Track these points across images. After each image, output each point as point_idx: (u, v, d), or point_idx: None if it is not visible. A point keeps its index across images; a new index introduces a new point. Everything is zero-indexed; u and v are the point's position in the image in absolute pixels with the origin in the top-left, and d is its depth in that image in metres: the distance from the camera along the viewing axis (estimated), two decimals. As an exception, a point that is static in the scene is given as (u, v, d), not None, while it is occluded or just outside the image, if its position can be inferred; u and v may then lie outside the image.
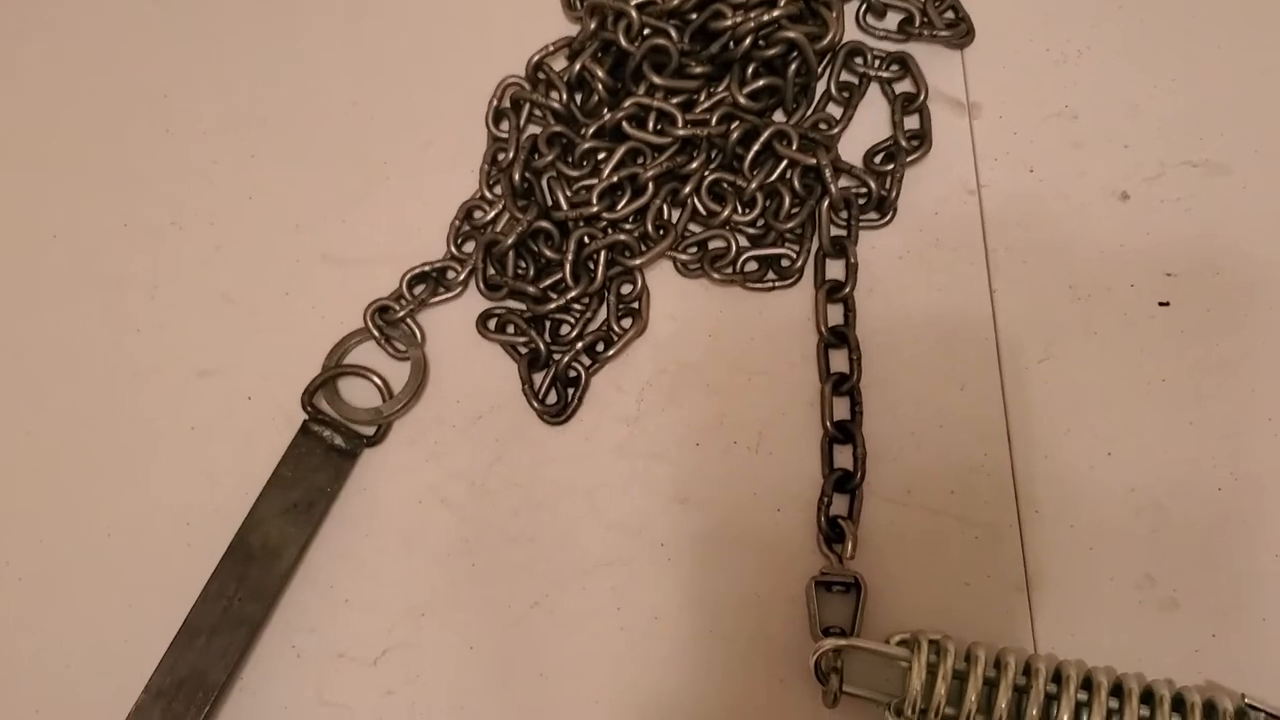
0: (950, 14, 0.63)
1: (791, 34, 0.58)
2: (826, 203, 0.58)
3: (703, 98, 0.59)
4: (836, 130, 0.60)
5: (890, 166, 0.59)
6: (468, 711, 0.53)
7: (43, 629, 0.55)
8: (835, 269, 0.59)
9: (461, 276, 0.60)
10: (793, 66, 0.59)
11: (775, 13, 0.58)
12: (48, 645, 0.55)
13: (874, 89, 0.62)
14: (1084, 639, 0.52)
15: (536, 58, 0.61)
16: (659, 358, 0.59)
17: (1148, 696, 0.48)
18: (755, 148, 0.58)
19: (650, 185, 0.58)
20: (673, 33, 0.58)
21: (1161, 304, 0.57)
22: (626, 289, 0.59)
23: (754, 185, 0.58)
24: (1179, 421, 0.55)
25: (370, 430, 0.58)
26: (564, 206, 0.58)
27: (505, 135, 0.61)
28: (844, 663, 0.51)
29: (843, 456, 0.56)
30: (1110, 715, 0.48)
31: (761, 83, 0.59)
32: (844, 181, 0.59)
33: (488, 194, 0.61)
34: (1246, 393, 0.56)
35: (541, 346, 0.58)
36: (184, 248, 0.62)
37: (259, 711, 0.54)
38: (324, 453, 0.57)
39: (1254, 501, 0.54)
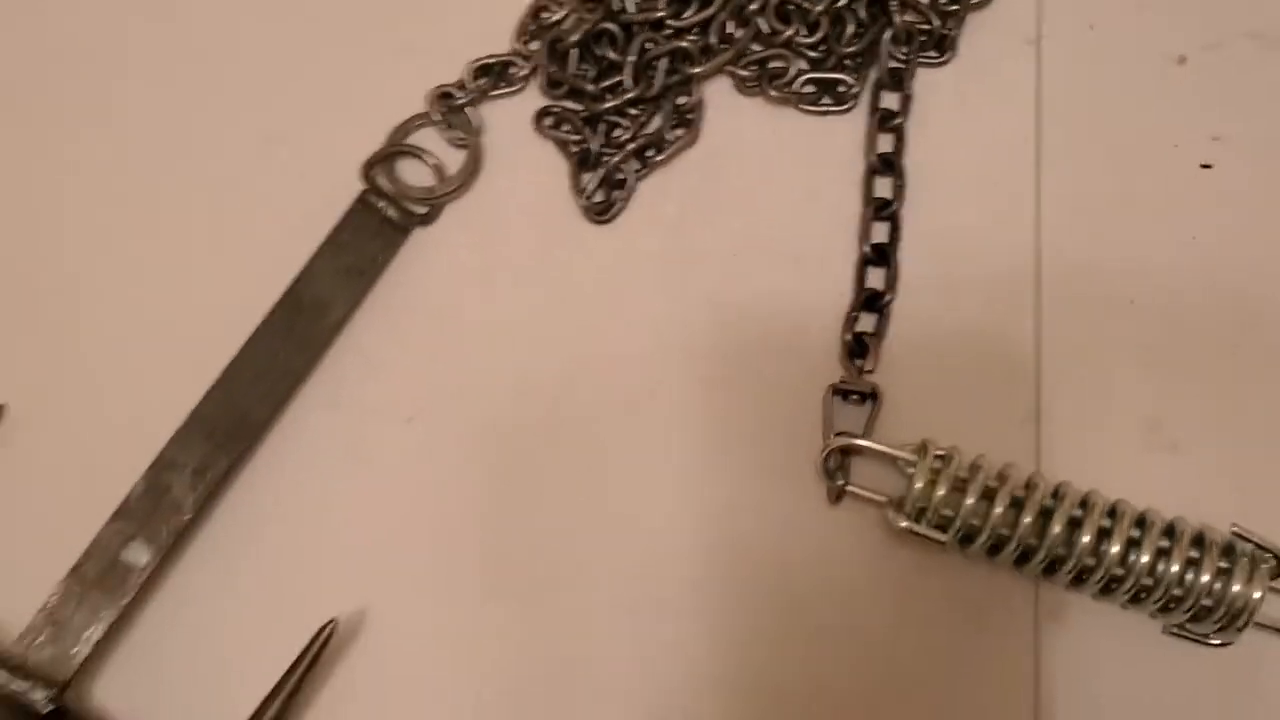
0: None
1: None
2: (889, 33, 0.59)
3: (778, -85, 0.60)
4: (905, -34, 0.61)
5: (955, 8, 0.60)
6: (496, 475, 0.56)
7: (100, 354, 0.59)
8: (889, 101, 0.60)
9: (524, 73, 0.61)
10: (869, -104, 0.60)
11: None
12: (104, 371, 0.58)
13: (946, -69, 0.62)
14: (1086, 473, 0.53)
15: None
16: (706, 169, 0.60)
17: (1140, 521, 0.51)
18: (825, -30, 0.59)
19: (718, -3, 0.59)
20: None
21: (1204, 166, 0.58)
22: (683, 100, 0.60)
23: (819, 8, 0.59)
24: (1204, 277, 0.57)
25: (423, 210, 0.60)
26: (630, 9, 0.60)
27: (580, -60, 0.62)
28: (850, 466, 0.54)
29: (875, 279, 0.58)
30: (1102, 533, 0.50)
31: (837, -92, 0.59)
32: (908, 17, 0.60)
33: (557, -5, 0.62)
34: (1276, 255, 0.57)
35: (594, 146, 0.59)
36: (259, 26, 0.63)
37: (295, 456, 0.56)
38: (378, 224, 0.59)
39: (1268, 360, 0.56)
